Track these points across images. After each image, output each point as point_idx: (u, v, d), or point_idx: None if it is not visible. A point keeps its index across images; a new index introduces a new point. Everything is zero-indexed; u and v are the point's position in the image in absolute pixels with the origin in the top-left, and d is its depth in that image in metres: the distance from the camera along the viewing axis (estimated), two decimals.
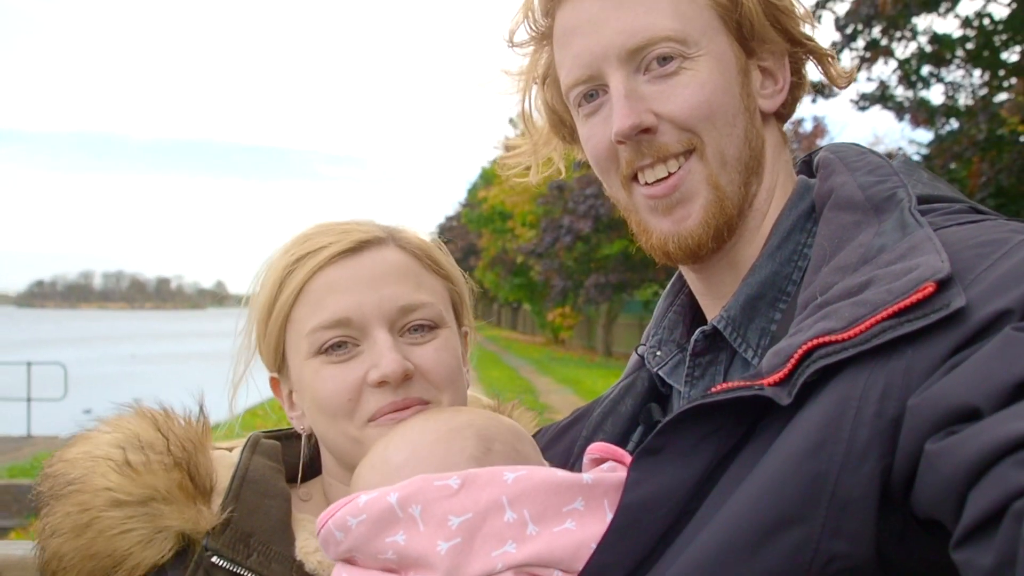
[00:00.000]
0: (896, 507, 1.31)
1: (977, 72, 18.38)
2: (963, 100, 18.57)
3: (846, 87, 1.93)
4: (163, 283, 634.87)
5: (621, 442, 1.94)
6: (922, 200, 1.65)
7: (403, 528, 1.49)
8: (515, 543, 1.47)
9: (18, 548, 2.58)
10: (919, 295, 1.33)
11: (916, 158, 18.78)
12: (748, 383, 1.43)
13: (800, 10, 1.81)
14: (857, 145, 1.82)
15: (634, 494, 1.46)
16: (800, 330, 1.46)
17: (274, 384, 1.96)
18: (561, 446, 2.03)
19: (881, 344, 1.33)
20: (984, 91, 18.13)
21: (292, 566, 1.73)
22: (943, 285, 1.34)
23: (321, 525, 1.58)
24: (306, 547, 1.76)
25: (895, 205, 1.57)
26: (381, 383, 1.75)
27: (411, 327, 1.82)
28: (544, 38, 1.90)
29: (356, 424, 1.78)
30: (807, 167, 1.92)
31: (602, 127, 1.77)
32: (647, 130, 1.71)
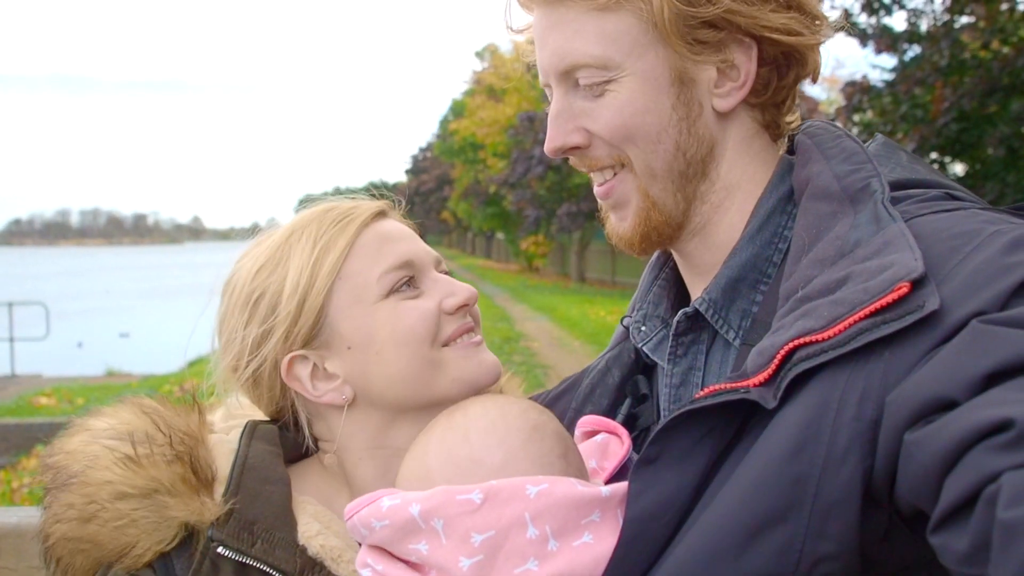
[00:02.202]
0: (880, 506, 1.33)
1: None
2: (925, 26, 18.61)
3: (816, 82, 1.88)
4: (140, 219, 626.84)
5: (610, 413, 1.98)
6: (899, 185, 1.66)
7: (426, 539, 1.51)
8: (537, 560, 1.48)
9: (12, 516, 2.63)
10: (894, 295, 1.35)
11: (879, 84, 18.89)
12: (734, 385, 1.46)
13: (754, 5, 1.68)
14: (834, 127, 1.82)
15: (637, 506, 1.48)
16: (782, 327, 1.48)
17: (291, 365, 1.90)
18: None
19: (859, 347, 1.36)
20: (946, 17, 18.17)
21: (295, 551, 1.76)
22: (917, 284, 1.36)
23: (347, 517, 1.61)
24: (308, 531, 1.79)
25: (869, 196, 1.58)
26: (460, 308, 1.93)
27: (444, 271, 2.02)
28: None
29: (436, 348, 1.89)
30: (788, 142, 1.90)
31: None
32: (576, 147, 1.78)
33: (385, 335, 1.87)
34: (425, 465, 1.67)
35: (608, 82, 1.70)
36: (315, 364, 1.91)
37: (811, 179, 1.69)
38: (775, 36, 1.70)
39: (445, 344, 1.91)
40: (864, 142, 1.79)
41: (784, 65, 1.77)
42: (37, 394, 18.89)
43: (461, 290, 1.95)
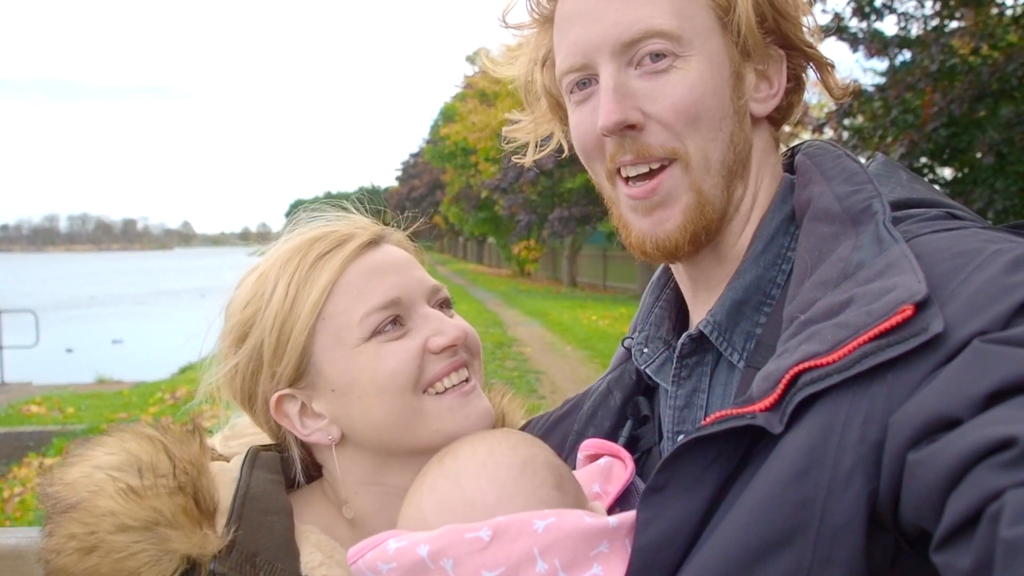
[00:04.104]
0: (886, 529, 1.33)
1: (929, 3, 18.54)
2: (915, 31, 18.70)
3: (841, 99, 1.94)
4: (129, 224, 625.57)
5: (612, 436, 1.98)
6: (899, 205, 1.68)
7: None
8: None
9: (10, 537, 2.58)
10: (898, 318, 1.36)
11: (870, 88, 18.97)
12: (741, 411, 1.46)
13: (801, 15, 1.79)
14: (833, 146, 1.83)
15: (646, 535, 1.50)
16: (786, 351, 1.48)
17: (279, 403, 1.90)
18: (554, 440, 2.01)
19: (864, 370, 1.36)
20: (935, 22, 18.26)
21: None
22: (920, 307, 1.36)
23: (352, 561, 1.60)
24: (310, 562, 1.77)
25: (870, 217, 1.58)
26: (447, 348, 1.86)
27: (438, 303, 1.95)
28: (547, 21, 1.89)
29: (417, 394, 1.83)
30: (788, 162, 1.92)
31: (590, 116, 1.77)
32: (632, 126, 1.71)
33: (366, 380, 1.83)
34: (421, 513, 1.67)
35: (677, 58, 1.69)
36: (303, 403, 1.89)
37: (812, 200, 1.70)
38: (806, 49, 1.80)
39: (431, 385, 1.86)
40: (854, 149, 1.80)
41: (794, 90, 1.84)
42: (27, 402, 18.70)
43: (449, 329, 1.88)
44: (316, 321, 1.84)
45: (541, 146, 2.16)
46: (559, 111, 2.01)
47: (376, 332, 1.83)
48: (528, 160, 2.19)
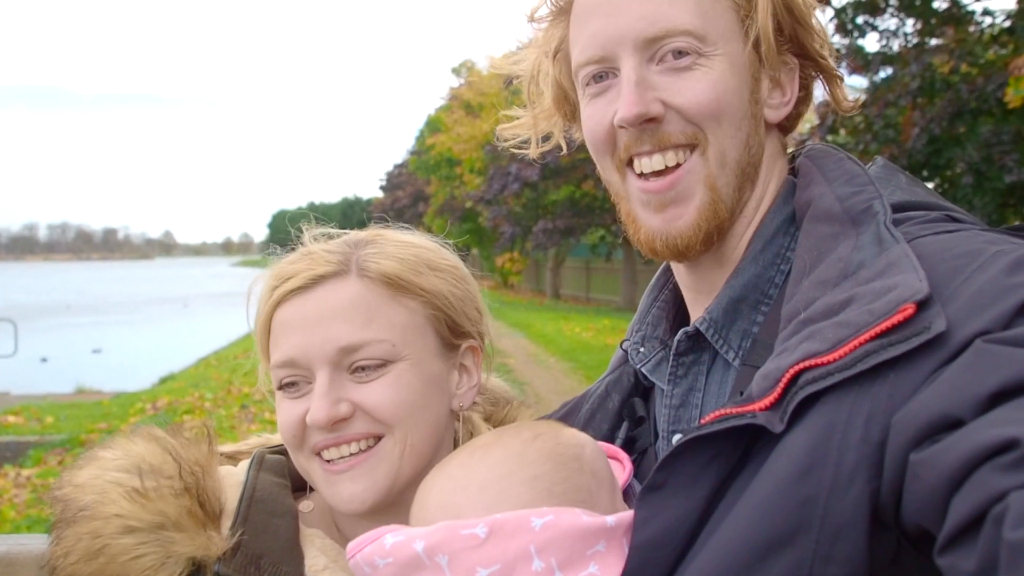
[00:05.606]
0: (888, 528, 1.33)
1: (910, 21, 18.76)
2: (897, 47, 18.91)
3: (848, 111, 1.95)
4: (110, 233, 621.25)
5: (609, 438, 1.97)
6: (899, 208, 1.67)
7: (430, 575, 1.51)
8: None
9: (1, 544, 2.58)
10: (899, 317, 1.36)
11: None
12: (741, 410, 1.45)
13: (817, 26, 1.81)
14: (836, 150, 1.83)
15: (643, 534, 1.49)
16: (786, 350, 1.48)
17: None
18: None
19: (865, 369, 1.36)
20: (916, 39, 18.47)
21: None
22: (922, 305, 1.37)
23: (350, 555, 1.60)
24: (315, 565, 1.77)
25: (871, 218, 1.59)
26: (317, 426, 1.78)
27: (357, 366, 1.80)
28: (563, 12, 1.89)
29: (304, 455, 1.84)
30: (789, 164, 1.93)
31: (605, 109, 1.77)
32: (652, 119, 1.72)
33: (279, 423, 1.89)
34: (424, 500, 1.68)
35: (700, 56, 1.70)
36: None
37: (813, 201, 1.71)
38: (819, 59, 1.82)
39: (315, 452, 1.83)
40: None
41: (803, 100, 1.86)
42: (5, 412, 18.26)
43: (316, 411, 1.77)
44: (268, 350, 1.90)
45: (541, 143, 2.17)
46: (564, 106, 2.02)
47: (280, 386, 1.86)
48: (533, 153, 2.18)
